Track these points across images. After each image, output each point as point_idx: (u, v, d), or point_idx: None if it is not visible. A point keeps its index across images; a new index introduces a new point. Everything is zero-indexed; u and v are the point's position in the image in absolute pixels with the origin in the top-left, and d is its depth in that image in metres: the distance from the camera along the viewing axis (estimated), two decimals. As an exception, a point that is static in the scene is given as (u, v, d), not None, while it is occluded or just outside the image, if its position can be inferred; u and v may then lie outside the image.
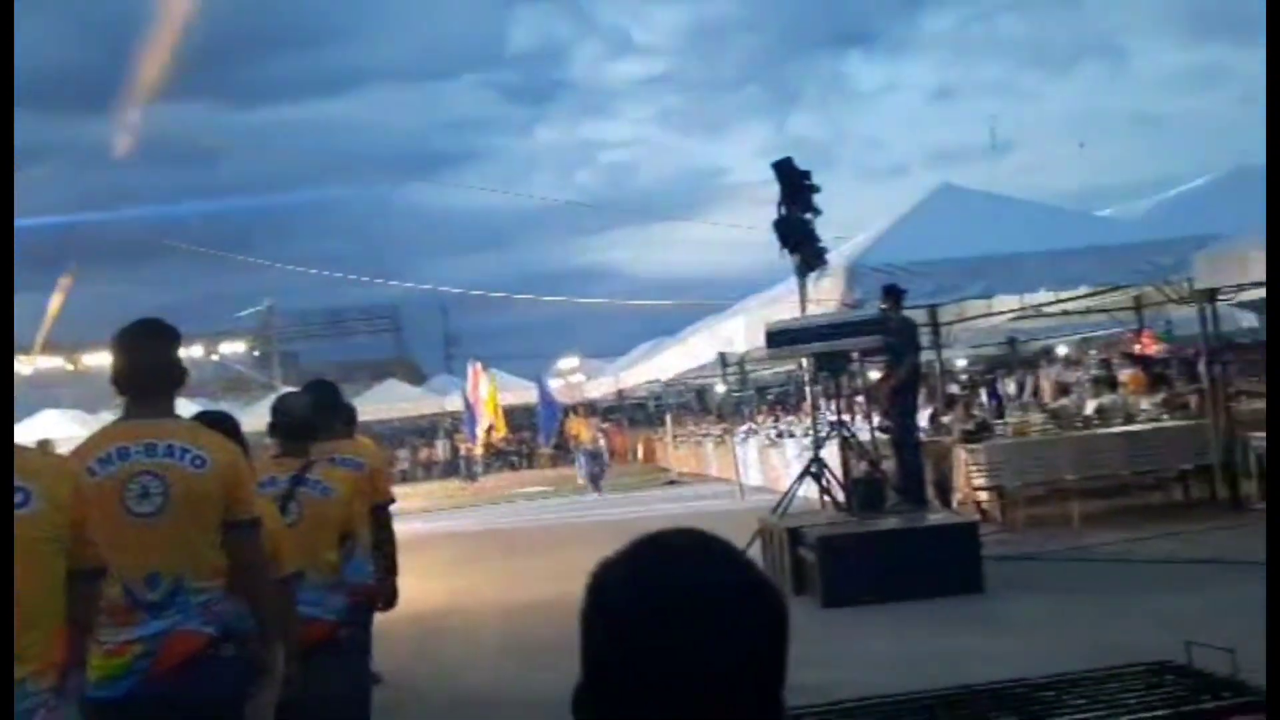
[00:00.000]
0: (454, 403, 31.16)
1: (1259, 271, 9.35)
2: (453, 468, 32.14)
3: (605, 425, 24.62)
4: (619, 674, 0.99)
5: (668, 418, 25.59)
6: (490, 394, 28.31)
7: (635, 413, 36.34)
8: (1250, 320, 15.95)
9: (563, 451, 35.39)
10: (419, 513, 18.64)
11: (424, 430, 38.04)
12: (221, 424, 3.46)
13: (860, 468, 8.98)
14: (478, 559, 12.38)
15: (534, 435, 37.03)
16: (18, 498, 2.09)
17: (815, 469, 9.32)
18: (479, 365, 28.60)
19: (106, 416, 3.24)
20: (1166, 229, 11.03)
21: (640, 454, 29.19)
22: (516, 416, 36.20)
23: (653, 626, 0.98)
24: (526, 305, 35.68)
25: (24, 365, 24.97)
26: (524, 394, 35.81)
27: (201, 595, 2.85)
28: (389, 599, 5.03)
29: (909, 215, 11.91)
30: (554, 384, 35.85)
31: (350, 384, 34.11)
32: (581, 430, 21.97)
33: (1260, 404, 11.61)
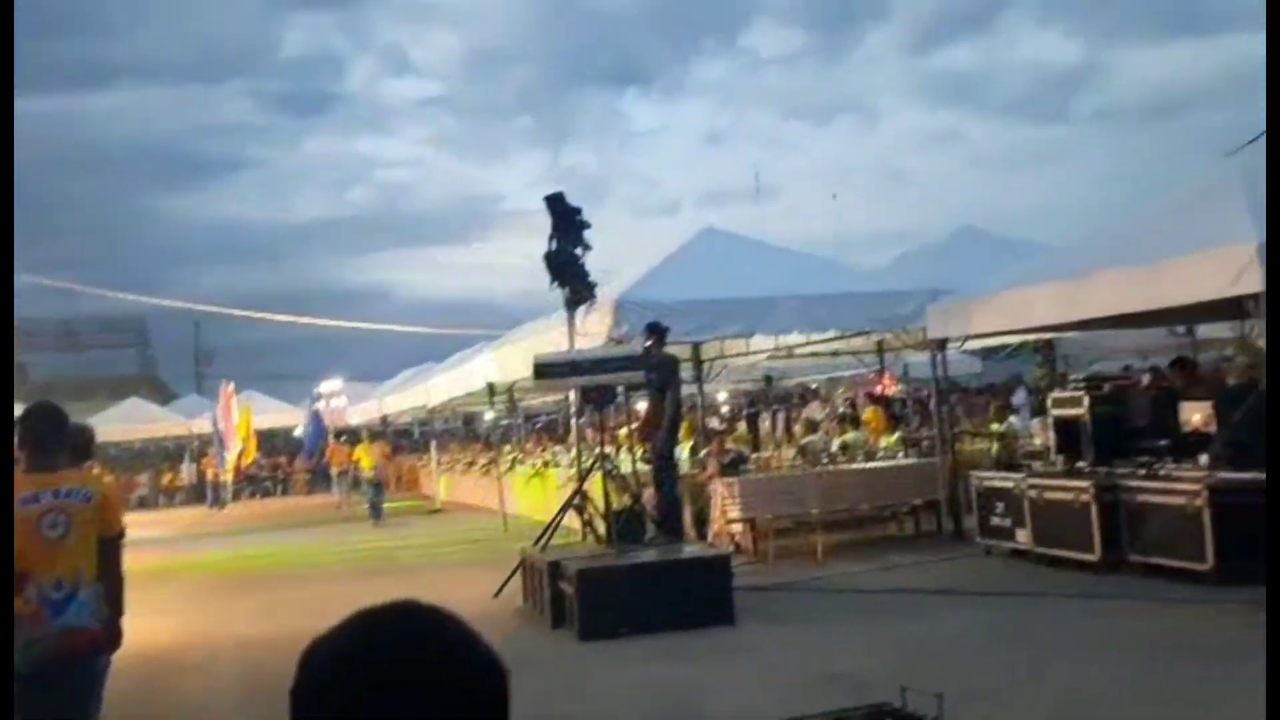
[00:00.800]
0: (203, 424, 29.37)
1: (981, 324, 10.30)
2: (199, 494, 30.23)
3: (388, 452, 23.21)
4: None
5: (433, 445, 25.17)
6: (243, 417, 26.88)
7: (399, 439, 35.47)
8: (976, 366, 17.47)
9: (321, 477, 34.08)
10: (161, 541, 17.43)
11: (169, 453, 35.64)
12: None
13: (622, 500, 9.15)
14: (224, 592, 11.70)
15: (290, 460, 35.47)
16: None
17: (578, 501, 9.43)
18: (231, 386, 27.12)
19: None
20: (905, 281, 11.98)
21: (404, 482, 28.50)
22: (273, 440, 34.61)
23: (361, 705, 0.98)
24: (286, 323, 34.14)
25: None
26: (282, 416, 34.26)
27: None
28: (114, 640, 4.67)
29: (675, 255, 12.35)
30: (315, 407, 34.52)
31: (87, 401, 31.56)
32: (364, 456, 20.69)
33: (980, 444, 12.73)
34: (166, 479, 33.05)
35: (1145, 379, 12.00)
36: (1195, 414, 8.36)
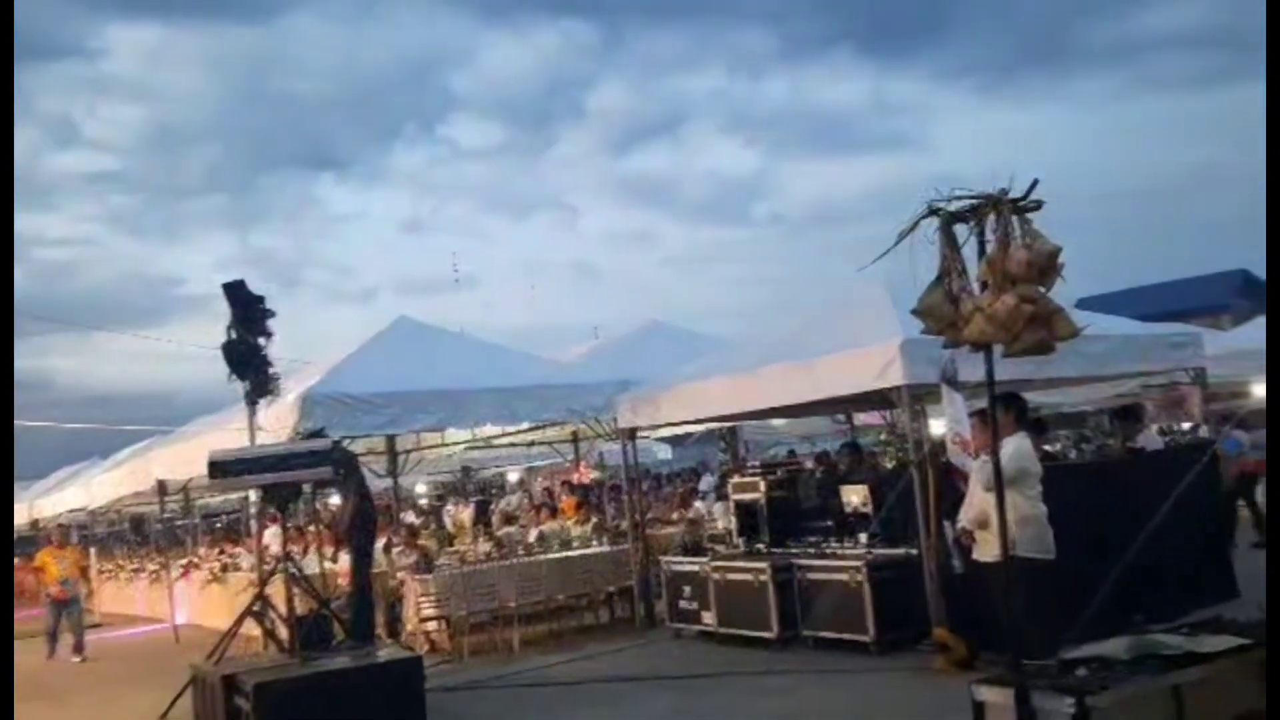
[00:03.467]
0: None
1: (667, 414, 10.79)
2: None
3: (83, 561, 15.99)
4: None
5: (92, 551, 22.73)
6: None
7: (23, 548, 31.77)
8: (666, 452, 18.22)
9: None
10: None
11: None
12: None
13: (307, 604, 8.67)
14: None
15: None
16: None
17: (258, 607, 8.83)
18: None
19: None
20: (597, 373, 12.34)
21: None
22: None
23: None
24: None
25: None
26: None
27: None
28: None
29: (368, 345, 12.07)
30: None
31: None
32: (50, 564, 14.31)
33: (670, 529, 13.20)
34: None
35: (809, 463, 13.00)
36: (854, 495, 9.12)
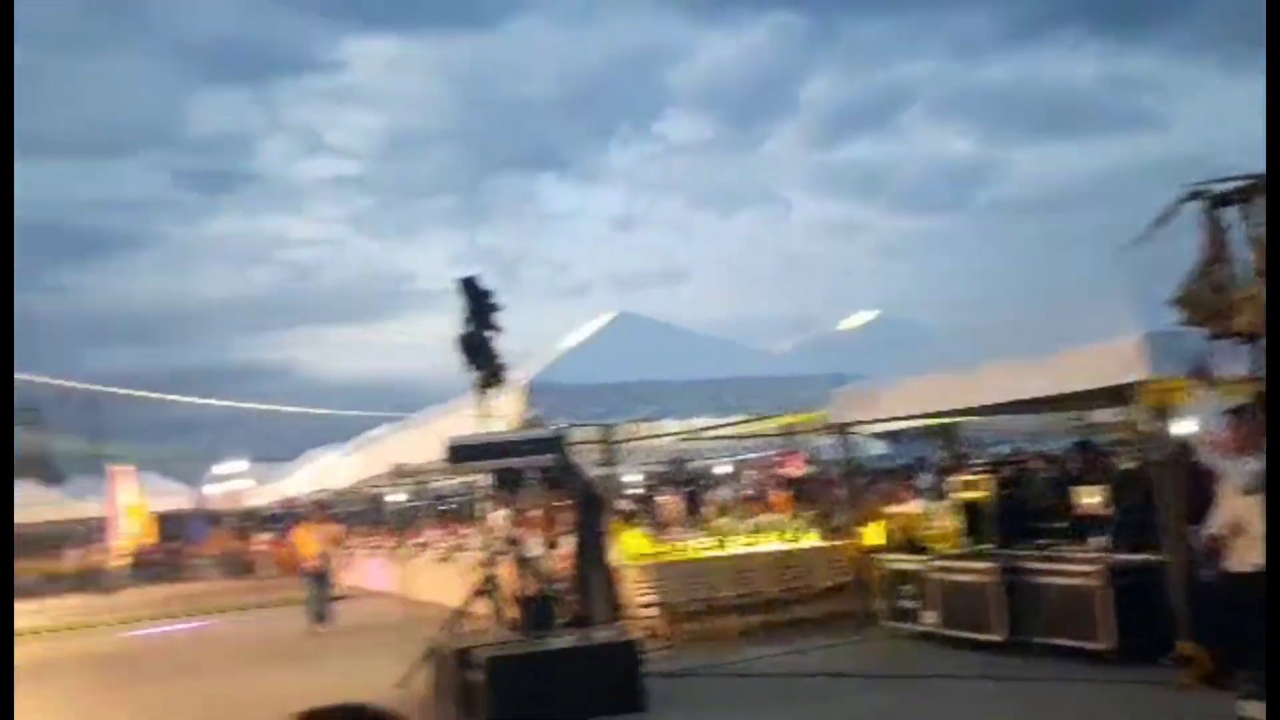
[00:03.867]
0: (97, 508, 28.20)
1: (884, 410, 10.56)
2: (88, 580, 28.83)
3: (337, 535, 16.63)
4: None
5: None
6: (136, 500, 25.90)
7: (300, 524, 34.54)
8: (880, 447, 17.83)
9: (223, 563, 32.88)
10: (45, 633, 16.56)
11: (56, 538, 34.01)
12: None
13: (533, 586, 9.05)
14: (108, 687, 11.13)
15: (186, 544, 34.17)
16: None
17: (488, 587, 9.30)
18: (124, 468, 26.19)
19: None
20: (808, 366, 12.25)
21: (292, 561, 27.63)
22: (168, 524, 33.34)
23: None
24: (186, 404, 33.20)
25: None
26: (177, 499, 33.10)
27: None
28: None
29: (588, 339, 12.46)
30: (215, 490, 33.49)
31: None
32: (307, 541, 15.43)
33: (888, 526, 12.90)
34: (51, 565, 31.47)
35: (1038, 462, 12.41)
36: (1089, 497, 8.66)
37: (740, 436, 15.33)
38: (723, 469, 23.09)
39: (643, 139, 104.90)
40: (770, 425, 13.95)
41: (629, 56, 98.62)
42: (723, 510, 14.25)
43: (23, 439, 50.60)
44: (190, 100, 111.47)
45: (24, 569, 30.63)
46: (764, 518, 12.87)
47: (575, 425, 11.75)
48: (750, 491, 16.36)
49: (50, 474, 43.83)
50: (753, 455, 20.21)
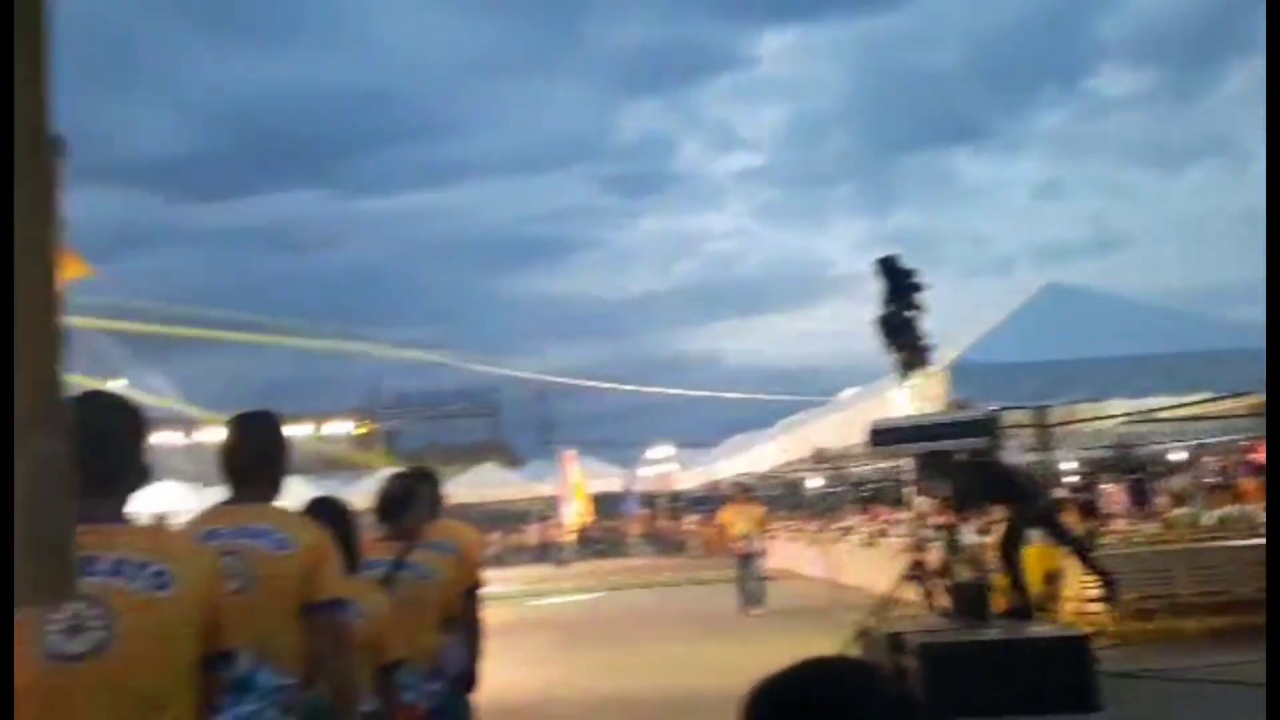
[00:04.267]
0: (547, 488, 31.34)
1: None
2: (543, 553, 32.17)
3: (761, 516, 15.90)
4: None
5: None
6: (579, 481, 28.42)
7: (725, 506, 36.04)
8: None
9: (653, 541, 35.20)
10: (511, 598, 18.64)
11: (517, 515, 38.26)
12: (332, 508, 3.54)
13: (966, 573, 8.70)
14: (570, 648, 12.29)
15: (621, 523, 36.97)
16: (158, 579, 2.15)
17: (917, 572, 9.09)
18: (571, 452, 28.83)
19: (216, 492, 3.33)
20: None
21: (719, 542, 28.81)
22: (606, 504, 36.27)
23: None
24: (622, 392, 35.87)
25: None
26: (615, 481, 35.89)
27: (280, 680, 2.84)
28: (470, 683, 5.03)
29: (1015, 313, 11.70)
30: (645, 473, 35.87)
31: (447, 466, 34.65)
32: (735, 521, 15.07)
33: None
34: (515, 539, 35.46)
35: None
36: None
37: (1200, 418, 13.70)
38: (1176, 455, 20.83)
39: (1070, 99, 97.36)
40: (1238, 405, 12.33)
41: (1050, 13, 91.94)
42: (1179, 499, 12.83)
43: (485, 425, 57.50)
44: (615, 111, 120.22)
45: (493, 542, 34.87)
46: (1231, 508, 11.40)
47: (1006, 408, 11.12)
48: (1213, 479, 14.57)
49: (509, 458, 49.42)
50: (1214, 440, 18.01)
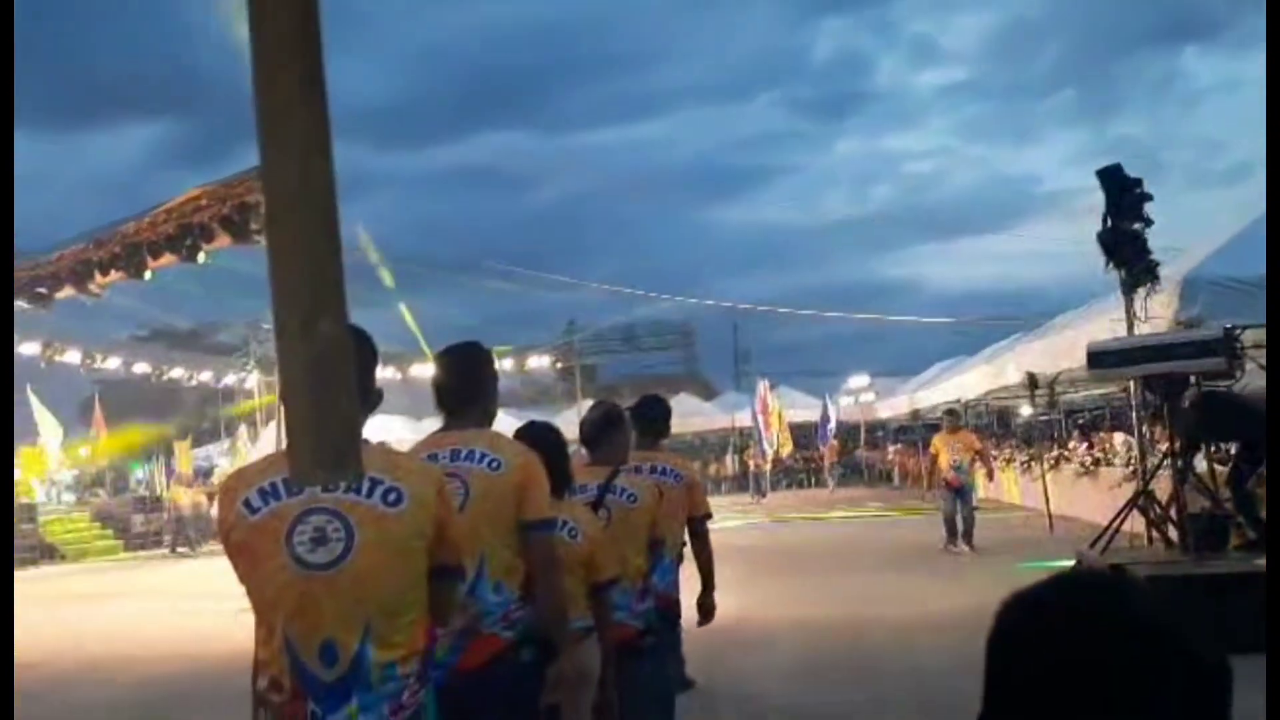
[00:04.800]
0: (743, 419, 31.44)
1: None
2: (741, 483, 32.40)
3: (976, 445, 14.45)
4: (1033, 701, 0.91)
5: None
6: (776, 412, 28.32)
7: (929, 435, 35.17)
8: None
9: (851, 470, 34.80)
10: (712, 526, 18.83)
11: (714, 446, 38.62)
12: (543, 432, 3.63)
13: (1199, 504, 8.13)
14: (769, 574, 12.34)
15: (818, 453, 36.70)
16: (390, 496, 2.27)
17: (1143, 502, 8.57)
18: (767, 383, 28.73)
19: (429, 423, 3.53)
20: None
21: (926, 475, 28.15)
22: (803, 435, 36.07)
23: (1061, 668, 0.91)
24: (818, 321, 35.36)
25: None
26: (811, 412, 35.59)
27: (502, 595, 2.96)
28: (707, 613, 5.13)
29: (1254, 224, 10.71)
30: (843, 403, 35.39)
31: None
32: (941, 450, 13.71)
33: None
34: (713, 469, 35.86)
35: None
36: None
37: None
38: None
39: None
40: None
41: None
42: None
43: (680, 357, 58.09)
44: (809, 30, 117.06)
45: (694, 470, 35.39)
46: None
47: (1243, 327, 10.24)
48: None
49: (705, 389, 49.80)
50: None
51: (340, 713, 2.19)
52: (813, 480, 34.84)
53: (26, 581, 18.12)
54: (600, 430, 4.42)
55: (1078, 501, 15.67)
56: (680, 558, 5.27)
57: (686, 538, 5.26)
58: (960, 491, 13.25)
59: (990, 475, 14.13)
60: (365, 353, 2.45)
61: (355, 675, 2.20)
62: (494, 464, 2.98)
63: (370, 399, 2.41)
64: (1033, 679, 0.92)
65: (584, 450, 4.50)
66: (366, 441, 2.36)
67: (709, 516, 5.27)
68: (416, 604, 2.30)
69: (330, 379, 0.87)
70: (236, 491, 2.31)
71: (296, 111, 0.88)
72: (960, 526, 13.20)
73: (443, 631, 2.63)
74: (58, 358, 22.43)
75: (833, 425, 29.80)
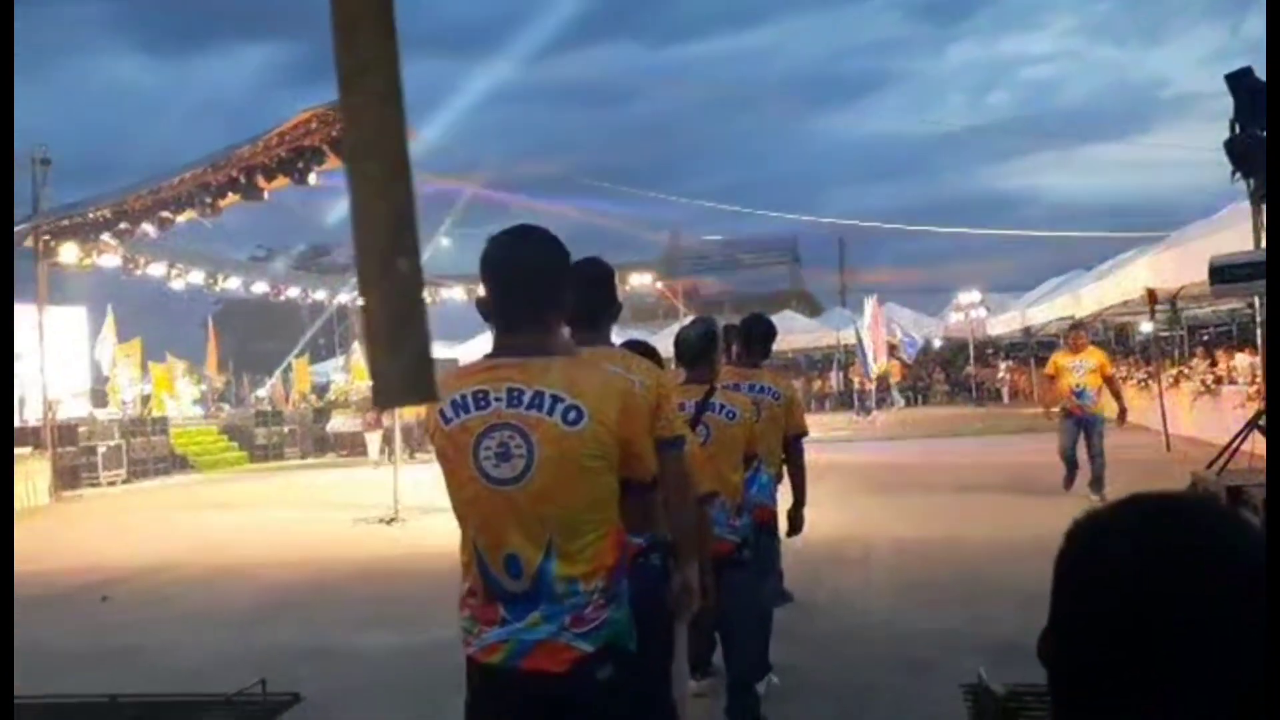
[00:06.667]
0: (849, 336, 31.10)
1: None
2: (846, 400, 32.19)
3: (1107, 365, 11.03)
4: (1099, 626, 0.91)
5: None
6: (882, 328, 27.89)
7: (1042, 352, 34.27)
8: None
9: (961, 389, 34.20)
10: (815, 442, 18.84)
11: (818, 362, 38.36)
12: (641, 350, 3.68)
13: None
14: (874, 493, 12.33)
15: (930, 372, 36.09)
16: (570, 415, 2.30)
17: (1263, 422, 8.25)
18: (875, 299, 28.28)
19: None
20: None
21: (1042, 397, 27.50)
22: (912, 352, 35.48)
23: (1164, 580, 0.89)
24: (929, 236, 34.49)
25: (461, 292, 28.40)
26: (923, 327, 34.95)
27: None
28: (796, 526, 5.18)
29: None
30: (954, 319, 34.65)
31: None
32: (1063, 371, 10.72)
33: None
34: (817, 386, 35.67)
35: None
36: None
37: None
38: None
39: None
40: None
41: None
42: None
43: (784, 273, 57.48)
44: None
45: (794, 388, 35.30)
46: None
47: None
48: None
49: (811, 305, 49.28)
50: None
51: (525, 620, 2.27)
52: (922, 398, 34.38)
53: (168, 489, 19.29)
54: (696, 348, 4.45)
55: (1199, 421, 15.15)
56: (780, 475, 5.32)
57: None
58: (1085, 423, 10.45)
59: (1123, 415, 11.05)
60: (554, 262, 2.44)
61: (539, 587, 2.27)
62: (629, 382, 3.03)
63: (559, 309, 2.43)
64: (1095, 605, 0.92)
65: (676, 365, 4.53)
66: (554, 357, 2.39)
67: (805, 434, 5.30)
68: (602, 521, 2.34)
69: (407, 311, 0.94)
70: (440, 399, 2.32)
71: (372, 65, 0.93)
72: (1089, 469, 10.47)
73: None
74: (182, 280, 23.37)
75: (946, 342, 28.99)
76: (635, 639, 2.42)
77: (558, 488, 2.27)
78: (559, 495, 2.27)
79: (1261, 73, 8.42)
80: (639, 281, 35.72)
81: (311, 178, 17.17)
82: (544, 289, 2.39)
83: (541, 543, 2.26)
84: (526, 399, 2.29)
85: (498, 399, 2.31)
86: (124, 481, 20.44)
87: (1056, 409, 10.84)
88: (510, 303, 2.39)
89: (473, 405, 2.31)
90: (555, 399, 2.29)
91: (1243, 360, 15.54)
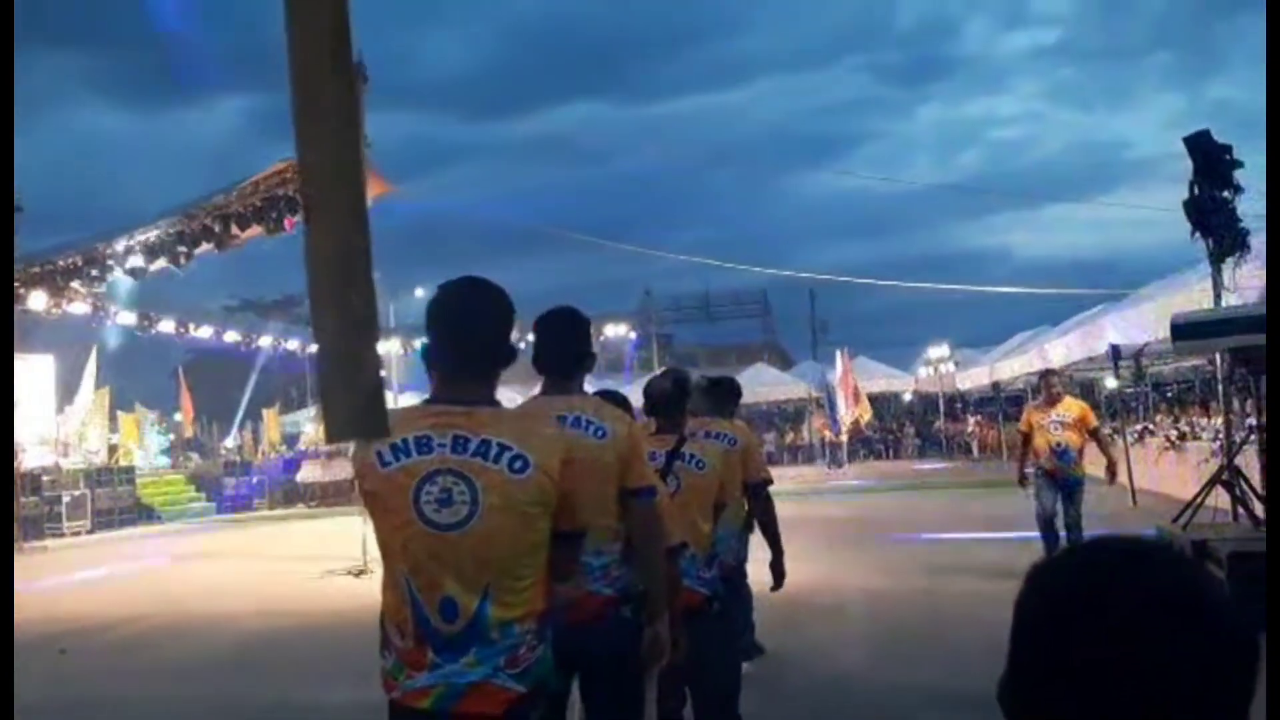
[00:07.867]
0: (820, 389, 31.26)
1: None
2: (817, 453, 32.24)
3: (1090, 420, 9.60)
4: (1057, 668, 0.92)
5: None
6: (853, 382, 28.08)
7: (1009, 407, 34.53)
8: None
9: (931, 444, 34.37)
10: (786, 495, 18.83)
11: (790, 415, 38.46)
12: (617, 401, 3.71)
13: (1284, 479, 7.88)
14: (842, 546, 12.34)
15: (900, 425, 36.27)
16: (517, 464, 2.32)
17: (1228, 477, 8.36)
18: (845, 352, 28.47)
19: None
20: None
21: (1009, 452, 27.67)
22: (881, 405, 35.68)
23: (1115, 626, 0.91)
24: (899, 291, 34.84)
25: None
26: (891, 382, 35.16)
27: (603, 558, 3.05)
28: (778, 578, 5.18)
29: (1355, 191, 10.29)
30: (924, 372, 34.89)
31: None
32: (1036, 428, 9.25)
33: None
34: (788, 438, 35.72)
35: None
36: None
37: None
38: None
39: None
40: None
41: None
42: None
43: (757, 328, 57.76)
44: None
45: (766, 441, 35.33)
46: None
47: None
48: None
49: (782, 358, 49.51)
50: None
51: (458, 663, 2.27)
52: (891, 452, 34.51)
53: (132, 540, 18.95)
54: (668, 398, 4.47)
55: (1161, 476, 15.31)
56: (749, 526, 5.32)
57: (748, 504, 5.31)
58: (1065, 485, 9.00)
59: (1113, 474, 9.71)
60: (497, 311, 2.44)
61: (474, 630, 2.27)
62: (599, 431, 3.02)
63: (503, 357, 2.43)
64: (1052, 643, 0.93)
65: (645, 417, 4.54)
66: (500, 406, 2.42)
67: (769, 482, 5.31)
68: (537, 566, 2.37)
69: (357, 348, 0.96)
70: (372, 442, 2.31)
71: (329, 109, 0.97)
72: (1063, 534, 8.91)
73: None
74: (152, 328, 23.21)
75: (915, 396, 29.20)
76: (557, 678, 2.44)
77: (500, 534, 2.28)
78: (500, 542, 2.29)
79: (1229, 136, 8.66)
80: (614, 333, 35.80)
81: (285, 227, 17.19)
82: (491, 340, 2.42)
83: (479, 587, 2.28)
84: (473, 446, 2.30)
85: (441, 445, 2.31)
86: (88, 532, 20.08)
87: (1031, 470, 9.26)
88: (456, 352, 2.41)
89: (414, 450, 2.30)
90: (503, 447, 2.30)
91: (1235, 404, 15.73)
